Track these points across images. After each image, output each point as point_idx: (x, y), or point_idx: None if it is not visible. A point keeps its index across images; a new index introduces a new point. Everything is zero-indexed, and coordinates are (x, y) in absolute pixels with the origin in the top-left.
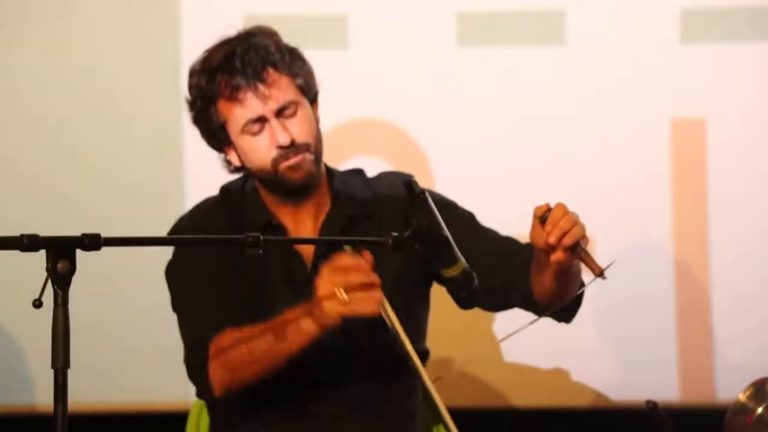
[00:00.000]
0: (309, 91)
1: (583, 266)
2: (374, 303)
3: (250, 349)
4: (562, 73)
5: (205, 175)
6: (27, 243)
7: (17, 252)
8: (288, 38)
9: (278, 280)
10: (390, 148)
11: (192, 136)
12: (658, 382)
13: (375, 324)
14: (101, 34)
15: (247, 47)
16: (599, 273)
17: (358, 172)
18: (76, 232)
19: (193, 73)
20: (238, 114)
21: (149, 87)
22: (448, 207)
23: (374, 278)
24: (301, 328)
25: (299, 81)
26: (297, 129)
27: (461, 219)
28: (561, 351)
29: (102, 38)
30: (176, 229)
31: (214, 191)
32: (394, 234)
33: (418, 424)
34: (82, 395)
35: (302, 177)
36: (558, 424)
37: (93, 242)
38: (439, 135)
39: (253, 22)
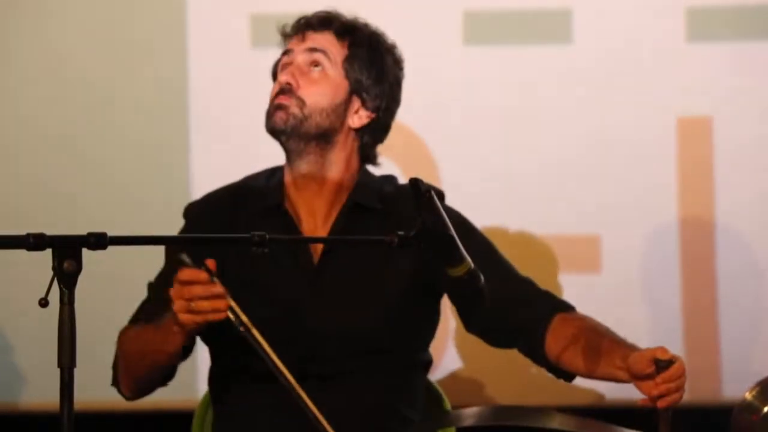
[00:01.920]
0: (358, 86)
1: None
2: (219, 311)
3: (139, 350)
4: (569, 71)
5: (210, 174)
6: (33, 242)
7: (23, 251)
8: None
9: (283, 269)
10: (395, 146)
11: (198, 135)
12: None
13: (380, 329)
14: (107, 33)
15: (336, 15)
16: None
17: (390, 178)
18: (82, 231)
19: None
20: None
21: (155, 86)
22: (467, 230)
23: (216, 289)
24: (173, 332)
25: (352, 73)
26: (306, 83)
27: (478, 245)
28: None
29: (108, 38)
30: (187, 208)
31: None
32: (400, 232)
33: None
34: (87, 394)
35: (276, 121)
36: None
37: (99, 241)
38: (445, 133)
39: (259, 21)
